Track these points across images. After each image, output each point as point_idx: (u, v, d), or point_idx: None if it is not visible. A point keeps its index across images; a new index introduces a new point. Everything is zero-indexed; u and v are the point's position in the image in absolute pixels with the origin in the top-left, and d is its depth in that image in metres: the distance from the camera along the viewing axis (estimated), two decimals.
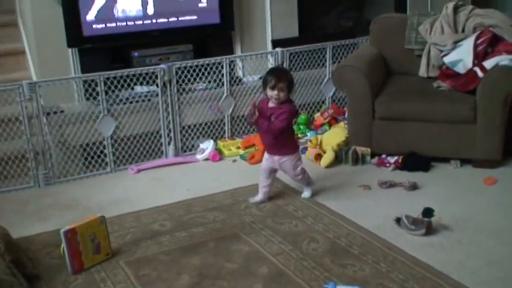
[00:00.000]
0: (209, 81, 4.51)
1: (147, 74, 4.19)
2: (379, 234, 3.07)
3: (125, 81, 4.11)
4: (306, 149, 4.32)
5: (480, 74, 3.91)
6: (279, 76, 3.28)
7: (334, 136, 4.32)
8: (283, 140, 3.37)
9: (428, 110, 3.94)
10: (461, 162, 3.94)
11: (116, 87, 4.09)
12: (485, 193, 3.54)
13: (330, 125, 4.72)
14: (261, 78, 4.67)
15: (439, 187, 3.63)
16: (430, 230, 3.04)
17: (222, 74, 4.44)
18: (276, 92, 3.25)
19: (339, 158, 4.14)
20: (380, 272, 2.72)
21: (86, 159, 4.11)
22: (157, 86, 4.21)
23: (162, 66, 4.19)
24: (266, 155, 3.49)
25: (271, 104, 3.33)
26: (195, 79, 4.38)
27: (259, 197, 3.54)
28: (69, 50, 4.35)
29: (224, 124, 4.55)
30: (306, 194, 3.59)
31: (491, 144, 3.85)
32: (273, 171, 3.53)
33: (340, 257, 2.86)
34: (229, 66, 4.47)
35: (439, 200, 3.42)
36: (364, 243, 2.99)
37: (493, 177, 3.72)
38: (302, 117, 4.80)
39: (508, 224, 3.15)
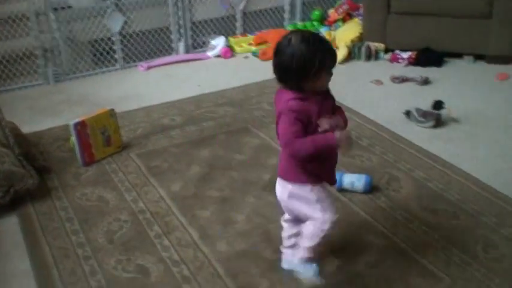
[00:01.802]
0: None
1: None
2: (388, 127, 3.07)
3: None
4: None
5: None
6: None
7: (348, 32, 4.24)
8: None
9: (444, 3, 3.84)
10: (474, 58, 3.87)
11: None
12: (497, 88, 3.51)
13: (344, 21, 4.62)
14: None
15: (451, 82, 3.59)
16: (439, 123, 3.04)
17: None
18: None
19: (352, 54, 4.08)
20: (387, 161, 2.74)
21: (94, 55, 4.08)
22: None
23: None
24: (321, 189, 1.93)
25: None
26: None
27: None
28: None
29: (236, 20, 4.47)
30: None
31: (506, 40, 3.77)
32: None
33: None
34: None
35: (450, 94, 3.39)
36: (373, 135, 3.00)
37: (506, 73, 3.66)
38: (316, 13, 4.69)
39: None
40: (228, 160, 2.83)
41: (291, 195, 1.91)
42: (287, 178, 1.92)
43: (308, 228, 1.91)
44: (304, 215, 1.92)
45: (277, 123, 1.87)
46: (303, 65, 1.76)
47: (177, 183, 2.65)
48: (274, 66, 1.86)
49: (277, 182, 1.97)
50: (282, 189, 1.94)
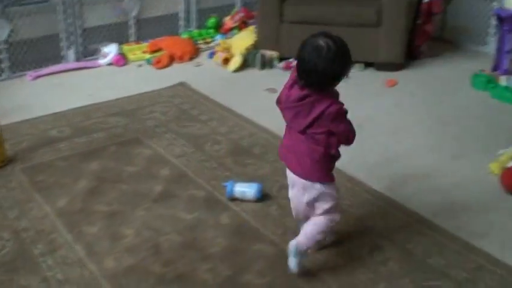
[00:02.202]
0: None
1: None
2: (281, 135, 3.07)
3: None
4: (214, 53, 4.25)
5: None
6: None
7: (243, 40, 4.26)
8: None
9: (334, 13, 3.93)
10: (365, 65, 3.99)
11: None
12: (386, 95, 3.63)
13: (240, 29, 4.64)
14: None
15: (341, 89, 3.64)
16: None
17: None
18: None
19: (247, 62, 4.10)
20: (279, 169, 2.74)
21: None
22: None
23: None
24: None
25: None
26: None
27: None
28: None
29: (129, 27, 4.38)
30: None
31: (394, 48, 3.91)
32: None
33: (242, 157, 2.88)
34: None
35: (342, 101, 3.46)
36: (266, 144, 3.01)
37: (394, 80, 3.80)
38: (212, 20, 4.68)
39: (405, 124, 3.26)
40: (118, 172, 2.75)
41: (320, 195, 2.00)
42: (318, 179, 1.99)
43: (321, 221, 2.03)
44: (323, 211, 2.02)
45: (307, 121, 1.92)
46: (342, 71, 1.90)
47: (63, 198, 2.54)
48: (310, 71, 1.87)
49: (295, 188, 2.03)
50: (308, 192, 2.00)
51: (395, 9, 3.82)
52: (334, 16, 3.91)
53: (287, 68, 4.00)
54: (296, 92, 1.94)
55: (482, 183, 2.69)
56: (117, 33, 4.33)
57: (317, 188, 1.99)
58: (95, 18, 4.18)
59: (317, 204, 2.02)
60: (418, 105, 3.49)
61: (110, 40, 4.28)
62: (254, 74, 4.00)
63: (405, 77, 3.88)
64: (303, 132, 1.97)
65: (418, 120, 3.30)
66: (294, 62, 3.97)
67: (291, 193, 2.08)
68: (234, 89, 3.74)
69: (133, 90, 3.68)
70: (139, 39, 4.42)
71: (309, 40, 1.94)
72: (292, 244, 2.01)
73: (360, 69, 3.98)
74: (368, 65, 4.00)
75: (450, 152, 2.96)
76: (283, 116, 2.06)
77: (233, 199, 2.50)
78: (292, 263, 2.01)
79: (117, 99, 3.56)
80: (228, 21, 4.69)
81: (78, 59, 4.15)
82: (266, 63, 4.06)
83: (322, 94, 1.91)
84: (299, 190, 2.02)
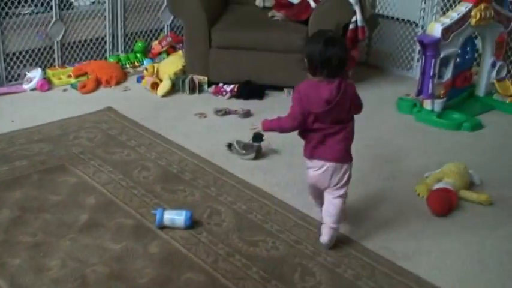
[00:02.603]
0: (36, 5, 4.18)
1: None
2: (211, 160, 3.08)
3: None
4: (142, 77, 4.20)
5: (313, 4, 4.01)
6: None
7: (172, 64, 4.23)
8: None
9: (263, 39, 3.97)
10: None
11: None
12: None
13: (169, 53, 4.62)
14: (94, 2, 4.44)
15: (271, 114, 3.60)
16: (259, 154, 3.12)
17: None
18: None
19: (176, 87, 4.07)
20: (210, 195, 2.74)
21: None
22: None
23: None
24: (322, 166, 2.34)
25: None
26: (19, 2, 4.03)
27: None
28: None
29: (53, 51, 4.27)
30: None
31: None
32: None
33: (171, 184, 2.84)
34: None
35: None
36: (196, 169, 2.98)
37: None
38: (139, 44, 4.63)
39: None
40: (42, 201, 2.65)
41: (344, 173, 2.35)
42: (347, 160, 2.36)
43: (339, 204, 2.35)
44: (341, 189, 2.35)
45: (347, 104, 2.26)
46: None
47: None
48: (336, 60, 2.18)
49: (322, 170, 2.31)
50: (336, 173, 2.32)
51: None
52: (262, 42, 3.95)
53: (217, 92, 3.99)
54: (328, 88, 2.20)
55: (409, 205, 2.75)
56: (41, 58, 4.22)
57: (344, 168, 2.32)
58: (17, 42, 4.06)
59: (343, 182, 2.34)
60: None
61: (34, 64, 4.16)
62: (183, 98, 3.97)
63: None
64: (344, 120, 2.29)
65: None
66: (224, 87, 3.98)
67: (317, 174, 2.33)
68: (163, 114, 3.70)
69: (58, 116, 3.58)
70: (64, 63, 4.31)
71: (317, 36, 2.27)
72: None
73: (289, 94, 4.02)
74: None
75: (378, 174, 3.02)
76: (324, 119, 2.25)
77: (163, 227, 2.45)
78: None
79: (41, 126, 3.45)
80: (156, 46, 4.65)
81: (1, 84, 4.00)
82: (195, 88, 4.05)
83: (342, 77, 2.22)
84: (327, 172, 2.31)
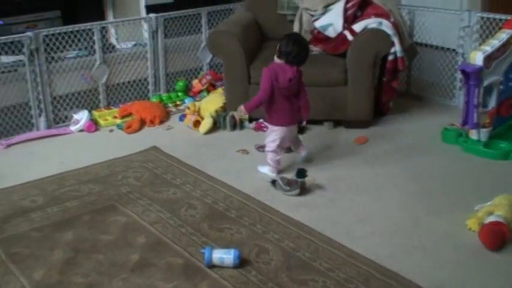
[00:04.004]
0: (80, 49, 4.33)
1: (12, 42, 3.94)
2: (255, 197, 3.12)
3: None
4: (184, 116, 4.29)
5: (350, 37, 4.03)
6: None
7: (212, 102, 4.31)
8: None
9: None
10: (334, 123, 4.07)
11: None
12: (357, 152, 3.68)
13: (209, 91, 4.71)
14: (135, 45, 4.58)
15: (313, 148, 3.73)
16: (304, 190, 3.13)
17: (94, 41, 4.28)
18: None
19: (217, 124, 4.14)
20: (256, 233, 2.77)
21: None
22: (24, 55, 3.97)
23: (28, 34, 3.96)
24: (284, 130, 3.31)
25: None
26: (64, 47, 4.18)
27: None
28: None
29: (99, 93, 4.40)
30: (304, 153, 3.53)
31: (362, 105, 3.99)
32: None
33: (218, 222, 2.88)
34: (101, 33, 4.31)
35: (313, 161, 3.53)
36: (241, 207, 3.02)
37: (364, 137, 3.87)
38: (180, 84, 4.75)
39: (378, 182, 3.30)
40: (93, 242, 2.72)
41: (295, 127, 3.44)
42: (296, 122, 3.40)
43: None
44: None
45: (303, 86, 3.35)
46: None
47: (39, 271, 2.51)
48: (305, 54, 3.26)
49: (289, 129, 3.34)
50: (293, 129, 3.39)
51: (360, 68, 3.93)
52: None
53: (257, 128, 4.05)
54: (292, 72, 3.20)
55: (460, 240, 2.70)
56: (87, 100, 4.35)
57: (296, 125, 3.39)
58: (64, 86, 4.20)
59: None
60: (390, 162, 3.54)
61: (80, 106, 4.29)
62: (225, 135, 4.03)
63: (374, 133, 3.95)
64: (294, 95, 3.28)
65: (390, 177, 3.35)
66: (265, 123, 4.02)
67: (286, 132, 3.31)
68: (206, 152, 3.76)
69: (106, 156, 3.68)
70: (109, 104, 4.44)
71: (290, 38, 3.28)
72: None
73: (329, 127, 4.05)
74: (337, 123, 4.07)
75: (425, 208, 2.99)
76: (283, 92, 3.21)
77: (212, 266, 2.49)
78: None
79: (89, 166, 3.55)
80: (196, 84, 4.75)
81: (49, 127, 4.14)
82: (236, 125, 4.11)
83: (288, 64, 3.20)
84: (292, 129, 3.37)
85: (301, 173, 3.13)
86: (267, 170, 3.38)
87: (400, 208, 3.00)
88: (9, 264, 2.56)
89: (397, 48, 3.99)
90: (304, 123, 3.48)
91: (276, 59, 3.25)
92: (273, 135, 3.31)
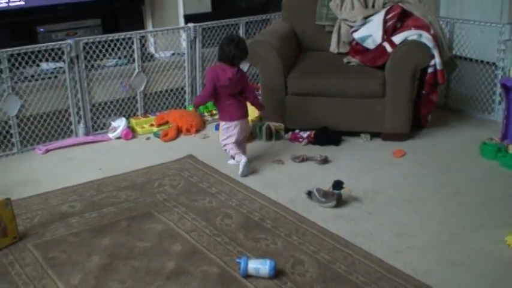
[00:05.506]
0: (119, 58, 4.39)
1: (52, 50, 4.01)
2: (291, 208, 3.11)
3: (30, 57, 3.93)
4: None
5: (389, 49, 4.00)
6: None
7: (249, 112, 4.30)
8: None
9: (338, 85, 4.00)
10: (371, 135, 4.04)
11: (20, 64, 3.91)
12: (394, 165, 3.65)
13: None
14: (173, 54, 4.62)
15: (349, 160, 3.71)
16: (340, 202, 3.11)
17: (133, 50, 4.33)
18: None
19: (253, 134, 4.14)
20: (292, 244, 2.75)
21: None
22: (64, 62, 4.05)
23: (69, 41, 4.03)
24: (236, 124, 3.56)
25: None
26: (104, 55, 4.25)
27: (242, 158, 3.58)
28: None
29: (137, 101, 4.46)
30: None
31: (400, 118, 3.96)
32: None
33: (253, 232, 2.88)
34: (140, 41, 4.37)
35: (349, 173, 3.50)
36: (277, 217, 3.01)
37: (402, 150, 3.83)
38: None
39: (415, 195, 3.26)
40: (130, 248, 2.74)
41: (247, 124, 3.71)
42: (245, 116, 3.65)
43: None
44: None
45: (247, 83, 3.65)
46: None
47: (76, 276, 2.53)
48: (244, 54, 3.51)
49: (242, 125, 3.59)
50: (242, 124, 3.61)
51: (398, 80, 3.90)
52: (339, 88, 3.98)
53: (294, 139, 4.04)
54: (231, 72, 3.45)
55: (499, 256, 2.65)
56: (125, 107, 4.41)
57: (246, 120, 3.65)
58: (103, 93, 4.26)
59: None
60: (427, 176, 3.49)
61: (118, 114, 4.35)
62: (260, 145, 4.03)
63: (412, 147, 3.90)
64: (239, 93, 3.55)
65: (429, 191, 3.30)
66: (300, 133, 4.02)
67: (239, 126, 3.56)
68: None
69: (142, 164, 3.71)
70: (146, 112, 4.49)
71: (230, 39, 3.52)
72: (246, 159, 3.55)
73: (366, 139, 4.02)
74: (374, 135, 4.04)
75: (463, 223, 2.95)
76: (226, 90, 3.48)
77: (247, 276, 2.48)
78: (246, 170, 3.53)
79: (126, 173, 3.59)
80: None
81: (87, 133, 4.20)
82: (272, 135, 4.11)
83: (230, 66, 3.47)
84: (245, 124, 3.62)
85: (338, 185, 3.11)
86: (234, 162, 3.62)
87: (438, 222, 2.96)
88: (47, 269, 2.59)
89: (436, 60, 3.95)
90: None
91: (219, 63, 3.59)
92: (228, 131, 3.57)
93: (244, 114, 3.59)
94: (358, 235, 2.83)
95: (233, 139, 3.57)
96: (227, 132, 3.57)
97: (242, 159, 3.53)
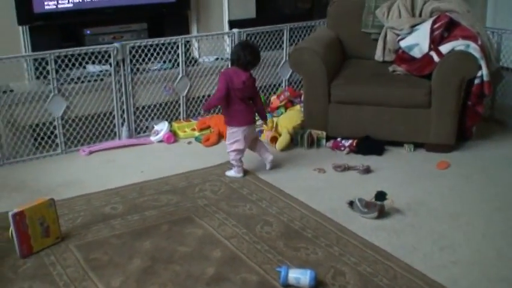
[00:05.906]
0: (164, 62, 4.43)
1: (99, 52, 4.07)
2: (332, 218, 3.08)
3: (76, 59, 3.99)
4: (261, 131, 4.30)
5: (436, 58, 3.94)
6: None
7: (290, 119, 4.30)
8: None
9: (383, 94, 3.95)
10: (414, 146, 3.98)
11: (67, 66, 3.97)
12: (438, 177, 3.58)
13: (286, 107, 4.70)
14: (217, 59, 4.64)
15: (392, 171, 3.66)
16: (382, 214, 3.06)
17: (178, 54, 4.36)
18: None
19: (294, 141, 4.13)
20: (333, 255, 2.72)
21: (36, 140, 3.99)
22: (110, 65, 4.10)
23: (115, 44, 4.09)
24: (243, 130, 3.52)
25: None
26: (149, 59, 4.29)
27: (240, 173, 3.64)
28: (20, 27, 4.19)
29: (179, 105, 4.49)
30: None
31: (445, 129, 3.89)
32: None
33: (294, 240, 2.86)
34: (185, 46, 4.40)
35: (392, 183, 3.45)
36: (318, 227, 2.99)
37: (446, 162, 3.76)
38: None
39: (459, 209, 3.19)
40: (171, 252, 2.75)
41: (254, 129, 3.69)
42: (253, 122, 3.61)
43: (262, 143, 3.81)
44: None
45: (256, 90, 3.65)
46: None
47: (117, 278, 2.55)
48: (257, 60, 3.55)
49: (250, 130, 3.57)
50: (250, 129, 3.58)
51: (445, 91, 3.83)
52: (383, 97, 3.94)
53: (335, 147, 4.01)
54: (245, 75, 3.46)
55: None
56: (168, 111, 4.44)
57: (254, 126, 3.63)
58: (146, 97, 4.31)
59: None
60: (473, 189, 3.42)
61: (161, 118, 4.39)
62: (301, 153, 4.01)
63: (457, 159, 3.83)
64: (250, 97, 3.54)
65: (475, 205, 3.23)
66: (342, 142, 3.98)
67: (246, 131, 3.53)
68: (282, 169, 3.75)
69: (184, 168, 3.73)
70: (188, 117, 4.52)
71: (244, 45, 3.57)
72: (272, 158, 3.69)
73: (410, 150, 3.96)
74: (417, 145, 3.98)
75: (508, 239, 2.87)
76: (238, 94, 3.44)
77: (287, 285, 2.46)
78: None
79: (168, 177, 3.61)
80: (274, 100, 4.76)
81: (130, 136, 4.25)
82: (313, 143, 4.08)
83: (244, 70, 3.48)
84: (251, 130, 3.58)
85: (381, 196, 3.07)
86: (233, 173, 3.61)
87: (483, 237, 2.89)
88: (88, 270, 2.62)
89: (484, 72, 3.86)
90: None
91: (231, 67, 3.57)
92: (234, 136, 3.53)
93: (252, 120, 3.57)
94: (400, 248, 2.79)
95: (241, 146, 3.54)
96: (233, 137, 3.54)
97: (241, 174, 3.61)
